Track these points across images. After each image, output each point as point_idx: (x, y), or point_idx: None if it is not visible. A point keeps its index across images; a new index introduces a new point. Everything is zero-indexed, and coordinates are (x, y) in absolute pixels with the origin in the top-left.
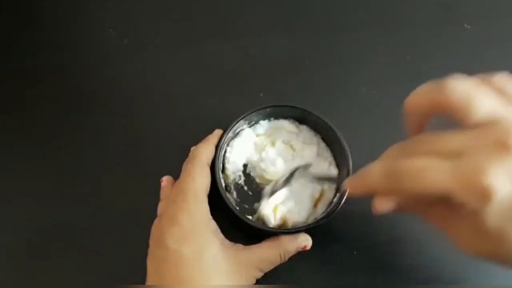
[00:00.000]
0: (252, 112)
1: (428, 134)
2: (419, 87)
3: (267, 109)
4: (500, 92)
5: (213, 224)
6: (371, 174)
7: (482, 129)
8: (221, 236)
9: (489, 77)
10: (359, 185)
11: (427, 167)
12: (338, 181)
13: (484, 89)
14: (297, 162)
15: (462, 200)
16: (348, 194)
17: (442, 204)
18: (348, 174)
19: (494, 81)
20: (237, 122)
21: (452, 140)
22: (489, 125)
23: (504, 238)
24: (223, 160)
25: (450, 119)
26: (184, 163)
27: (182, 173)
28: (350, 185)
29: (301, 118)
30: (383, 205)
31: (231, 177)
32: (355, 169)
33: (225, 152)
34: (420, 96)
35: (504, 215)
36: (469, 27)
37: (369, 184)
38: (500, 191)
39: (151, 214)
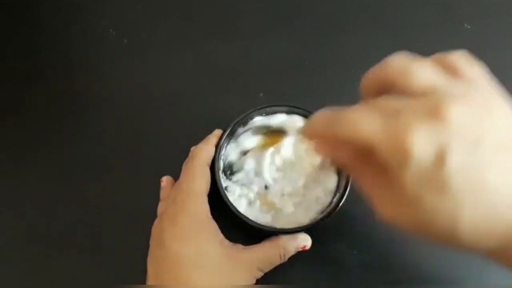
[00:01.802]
0: (252, 112)
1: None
2: (367, 71)
3: (267, 109)
4: (446, 66)
5: (213, 224)
6: (315, 118)
7: (419, 96)
8: (221, 236)
9: (441, 55)
10: (307, 129)
11: (362, 117)
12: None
13: (423, 62)
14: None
15: (383, 155)
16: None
17: (370, 165)
18: (348, 175)
19: (444, 58)
20: (237, 122)
21: (392, 100)
22: (427, 94)
23: (419, 205)
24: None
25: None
26: (184, 163)
27: (182, 173)
28: (302, 129)
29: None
30: (319, 147)
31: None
32: None
33: (225, 152)
34: (368, 77)
35: (421, 180)
36: (469, 27)
37: (313, 127)
38: (418, 153)
39: (151, 214)
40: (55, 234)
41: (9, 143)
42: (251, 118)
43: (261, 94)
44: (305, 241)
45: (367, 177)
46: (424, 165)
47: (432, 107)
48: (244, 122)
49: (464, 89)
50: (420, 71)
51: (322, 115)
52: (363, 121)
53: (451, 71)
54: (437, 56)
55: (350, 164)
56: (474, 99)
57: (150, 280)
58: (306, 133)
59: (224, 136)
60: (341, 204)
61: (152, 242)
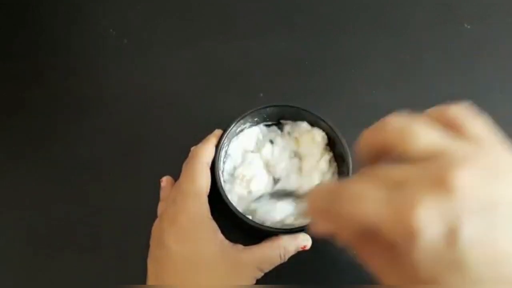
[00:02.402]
0: (252, 112)
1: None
2: (362, 133)
3: (267, 109)
4: (449, 124)
5: (213, 224)
6: (315, 194)
7: (423, 162)
8: (221, 236)
9: (441, 109)
10: (308, 203)
11: (363, 194)
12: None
13: (424, 121)
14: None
15: (388, 235)
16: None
17: (375, 244)
18: (348, 174)
19: (445, 114)
20: (237, 122)
21: (396, 170)
22: (430, 159)
23: (436, 283)
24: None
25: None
26: (184, 163)
27: (182, 174)
28: (307, 207)
29: (300, 118)
30: (318, 228)
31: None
32: (355, 169)
33: (225, 152)
34: (365, 139)
35: (434, 260)
36: (469, 27)
37: (313, 203)
38: (427, 231)
39: (151, 214)
40: (55, 234)
41: (9, 143)
42: (251, 118)
43: (261, 94)
44: (305, 241)
45: (373, 257)
46: (435, 243)
47: (437, 175)
48: (244, 122)
49: (470, 150)
50: (421, 133)
51: (321, 191)
52: (364, 199)
53: (454, 128)
54: (437, 111)
55: (353, 242)
56: (481, 161)
57: (150, 280)
58: (307, 211)
59: (224, 136)
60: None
61: (152, 242)
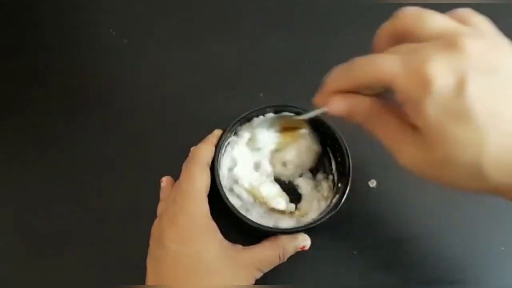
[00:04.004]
0: (252, 112)
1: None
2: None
3: (267, 109)
4: (456, 18)
5: (212, 225)
6: (334, 70)
7: (434, 37)
8: (221, 236)
9: (449, 12)
10: (327, 82)
11: (381, 58)
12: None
13: (435, 12)
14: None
15: (403, 89)
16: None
17: (389, 111)
18: (348, 175)
19: (452, 12)
20: (237, 122)
21: (409, 45)
22: (441, 37)
23: (443, 138)
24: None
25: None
26: (184, 164)
27: (182, 174)
28: (320, 92)
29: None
30: (336, 104)
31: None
32: (355, 170)
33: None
34: (381, 31)
35: (443, 109)
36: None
37: (333, 77)
38: (440, 80)
39: (151, 214)
40: (54, 234)
41: (9, 143)
42: (251, 118)
43: (261, 94)
44: (304, 241)
45: (387, 125)
46: (445, 92)
47: (449, 41)
48: (244, 122)
49: (476, 31)
50: (433, 18)
51: (340, 66)
52: (382, 61)
53: (462, 21)
54: (446, 12)
55: (369, 112)
56: (486, 37)
57: (149, 280)
58: (326, 86)
59: (224, 136)
60: (341, 204)
61: (152, 242)
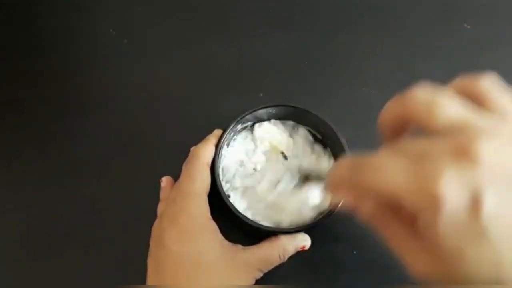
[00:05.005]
0: (252, 112)
1: (403, 140)
2: (386, 104)
3: (267, 109)
4: (473, 96)
5: (212, 225)
6: (338, 166)
7: (446, 135)
8: (221, 236)
9: (467, 80)
10: (330, 178)
11: (386, 165)
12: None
13: (449, 94)
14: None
15: (411, 206)
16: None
17: (397, 216)
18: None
19: (470, 85)
20: (237, 122)
21: (417, 143)
22: (454, 131)
23: (459, 258)
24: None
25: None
26: (184, 164)
27: (182, 174)
28: (328, 179)
29: (300, 118)
30: (341, 197)
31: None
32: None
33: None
34: (387, 111)
35: (457, 230)
36: (469, 27)
37: (336, 176)
38: (451, 201)
39: (151, 215)
40: (55, 234)
41: (9, 143)
42: (251, 118)
43: (261, 94)
44: (304, 241)
45: (395, 230)
46: (458, 212)
47: (461, 146)
48: (244, 122)
49: (494, 122)
50: (445, 106)
51: (345, 163)
52: (388, 170)
53: (479, 101)
54: (463, 82)
55: (376, 215)
56: (504, 134)
57: (150, 280)
58: (329, 182)
59: (224, 136)
60: (340, 204)
61: (152, 242)
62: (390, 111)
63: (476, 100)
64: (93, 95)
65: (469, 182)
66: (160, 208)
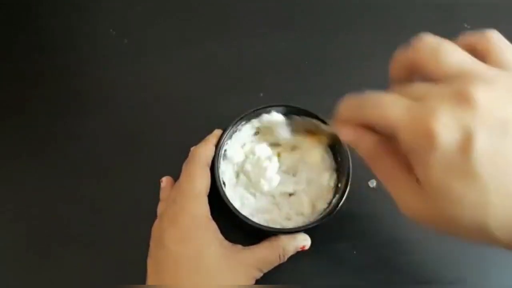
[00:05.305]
0: (252, 112)
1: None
2: (394, 53)
3: (267, 109)
4: (477, 49)
5: (212, 225)
6: (345, 102)
7: (447, 80)
8: (221, 236)
9: (473, 35)
10: (336, 112)
11: (389, 101)
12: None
13: (453, 45)
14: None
15: (407, 139)
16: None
17: (392, 155)
18: (348, 175)
19: (475, 40)
20: (237, 122)
21: (420, 86)
22: (456, 79)
23: (446, 194)
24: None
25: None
26: (184, 164)
27: (182, 174)
28: (335, 114)
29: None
30: (344, 133)
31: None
32: (355, 170)
33: (224, 151)
34: (396, 60)
35: (446, 166)
36: (469, 27)
37: (342, 110)
38: (444, 136)
39: (151, 215)
40: (54, 234)
41: (9, 143)
42: (251, 118)
43: (261, 94)
44: (304, 241)
45: (389, 169)
46: (450, 149)
47: (458, 90)
48: (244, 122)
49: (493, 74)
50: (450, 54)
51: (351, 99)
52: (389, 105)
53: (482, 54)
54: (468, 37)
55: (373, 152)
56: (502, 85)
57: (150, 280)
58: (335, 116)
59: (224, 136)
60: (341, 204)
61: (152, 242)
62: (398, 58)
63: (481, 55)
64: (93, 95)
65: (462, 122)
66: (160, 208)
